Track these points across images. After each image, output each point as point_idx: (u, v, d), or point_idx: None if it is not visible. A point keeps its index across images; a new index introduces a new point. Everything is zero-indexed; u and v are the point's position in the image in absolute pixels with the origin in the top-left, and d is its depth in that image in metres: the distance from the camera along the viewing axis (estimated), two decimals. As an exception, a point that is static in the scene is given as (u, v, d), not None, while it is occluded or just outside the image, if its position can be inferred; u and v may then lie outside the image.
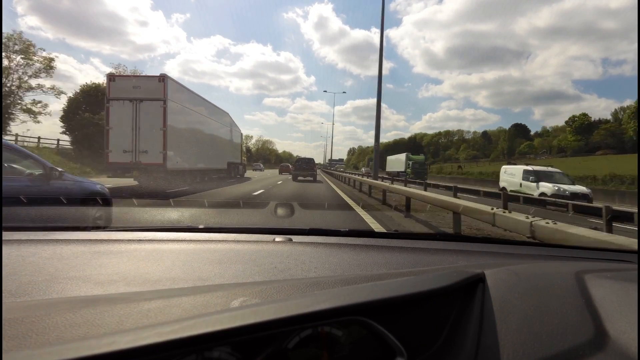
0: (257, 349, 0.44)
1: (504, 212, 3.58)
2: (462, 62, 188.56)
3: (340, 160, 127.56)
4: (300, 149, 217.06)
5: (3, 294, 0.69)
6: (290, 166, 34.54)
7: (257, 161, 75.65)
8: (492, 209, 3.87)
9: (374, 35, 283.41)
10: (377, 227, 5.90)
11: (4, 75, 25.76)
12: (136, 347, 0.36)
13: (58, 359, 0.34)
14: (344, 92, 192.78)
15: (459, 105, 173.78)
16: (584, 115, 71.37)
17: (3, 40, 25.13)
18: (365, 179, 15.93)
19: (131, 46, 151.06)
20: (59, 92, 29.15)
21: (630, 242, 1.89)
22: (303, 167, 22.37)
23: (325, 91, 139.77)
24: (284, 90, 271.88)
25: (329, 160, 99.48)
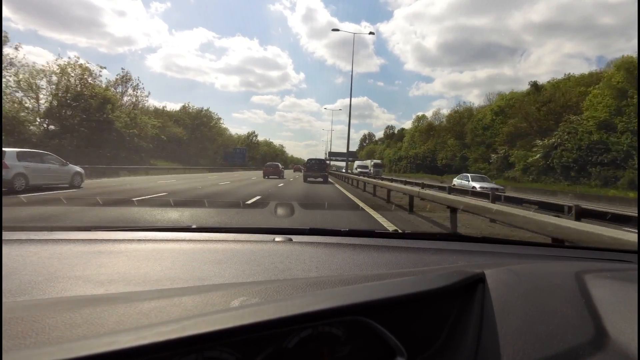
0: (257, 349, 0.44)
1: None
2: (454, 59, 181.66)
3: (350, 153, 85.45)
4: (290, 148, 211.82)
5: (3, 294, 0.69)
6: (280, 166, 27.13)
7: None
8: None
9: (364, 29, 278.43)
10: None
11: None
12: (136, 347, 0.36)
13: (58, 359, 0.34)
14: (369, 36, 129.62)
15: (450, 105, 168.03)
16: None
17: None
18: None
19: (109, 38, 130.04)
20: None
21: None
22: (314, 168, 22.56)
23: (336, 29, 77.69)
24: (272, 88, 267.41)
25: (329, 153, 67.18)
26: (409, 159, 53.11)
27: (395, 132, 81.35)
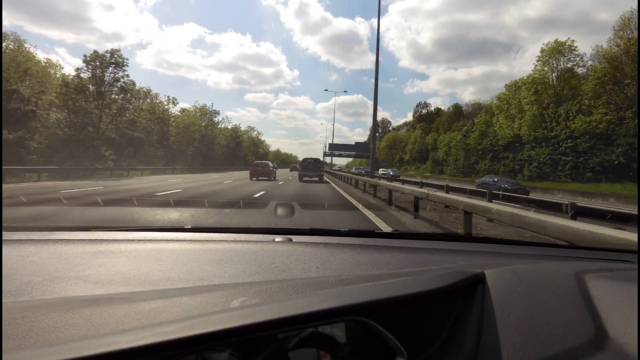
0: (257, 349, 0.44)
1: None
2: (449, 56, 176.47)
3: (360, 146, 56.72)
4: (284, 146, 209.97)
5: (3, 294, 0.69)
6: (271, 165, 23.61)
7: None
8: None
9: (358, 25, 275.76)
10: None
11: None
12: (136, 347, 0.36)
13: (58, 359, 0.34)
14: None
15: (444, 102, 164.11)
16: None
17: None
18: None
19: (98, 34, 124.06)
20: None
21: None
22: (310, 167, 22.40)
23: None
24: (266, 85, 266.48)
25: (330, 145, 54.69)
26: (555, 143, 23.50)
27: (431, 110, 56.19)
